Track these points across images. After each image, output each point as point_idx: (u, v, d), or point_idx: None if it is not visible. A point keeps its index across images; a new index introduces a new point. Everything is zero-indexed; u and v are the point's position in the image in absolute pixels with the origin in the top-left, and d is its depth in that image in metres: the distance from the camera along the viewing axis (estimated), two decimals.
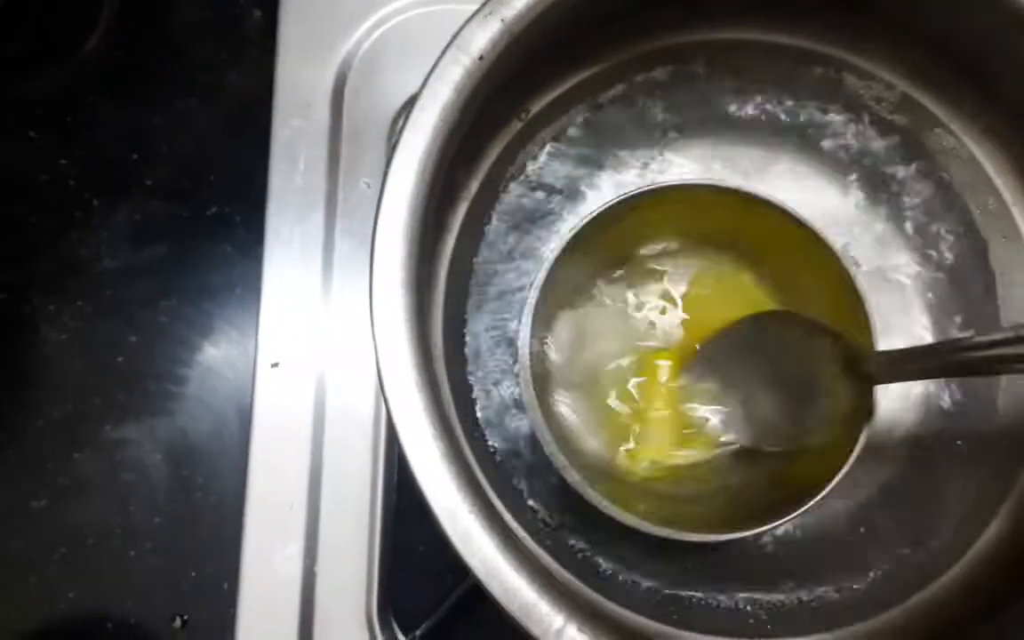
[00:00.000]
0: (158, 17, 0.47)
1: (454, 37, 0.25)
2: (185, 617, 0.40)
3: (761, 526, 0.28)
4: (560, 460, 0.28)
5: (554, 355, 0.31)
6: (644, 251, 0.33)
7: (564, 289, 0.31)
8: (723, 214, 0.31)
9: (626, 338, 0.32)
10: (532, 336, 0.29)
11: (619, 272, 0.33)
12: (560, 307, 0.32)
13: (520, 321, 0.31)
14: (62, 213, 0.44)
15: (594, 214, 0.29)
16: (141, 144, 0.45)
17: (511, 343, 0.32)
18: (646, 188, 0.30)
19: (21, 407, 0.42)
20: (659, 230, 0.32)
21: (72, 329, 0.43)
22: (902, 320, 0.33)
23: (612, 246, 0.32)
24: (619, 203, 0.29)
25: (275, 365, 0.36)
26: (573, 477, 0.28)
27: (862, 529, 0.31)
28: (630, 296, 0.32)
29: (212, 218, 0.44)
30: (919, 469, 0.32)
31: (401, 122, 0.37)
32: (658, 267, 0.33)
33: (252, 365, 0.41)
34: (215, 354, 0.43)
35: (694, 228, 0.32)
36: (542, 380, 0.30)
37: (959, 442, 0.32)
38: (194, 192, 0.44)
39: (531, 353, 0.29)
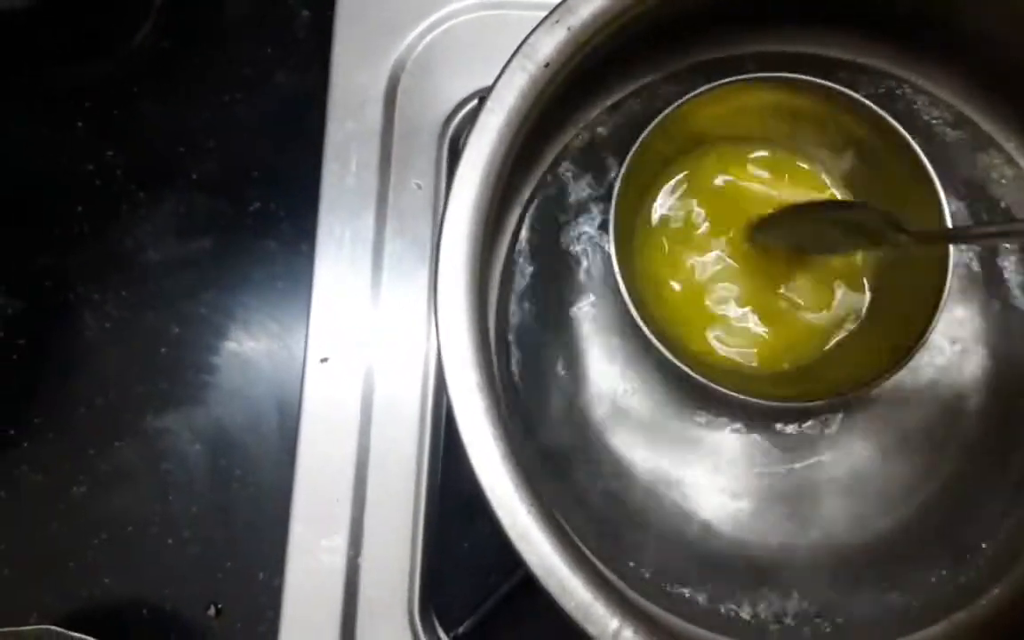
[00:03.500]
0: (207, 13, 0.47)
1: (522, 44, 0.26)
2: (220, 605, 0.40)
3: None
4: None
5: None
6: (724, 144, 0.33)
7: (645, 175, 0.32)
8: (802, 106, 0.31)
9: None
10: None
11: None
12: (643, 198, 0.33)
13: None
14: (108, 204, 0.45)
15: (678, 105, 0.30)
16: (187, 138, 0.45)
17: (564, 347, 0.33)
18: (734, 79, 0.30)
19: (64, 394, 0.43)
20: (736, 125, 0.33)
21: (115, 319, 0.43)
22: None
23: (685, 139, 0.33)
24: (704, 92, 0.30)
25: (324, 360, 0.37)
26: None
27: (902, 545, 0.31)
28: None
29: (256, 213, 0.44)
30: (962, 484, 0.32)
31: (454, 126, 0.38)
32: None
33: (291, 358, 0.42)
34: (255, 347, 0.43)
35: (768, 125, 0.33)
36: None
37: (1003, 457, 0.32)
38: (239, 187, 0.45)
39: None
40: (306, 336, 0.37)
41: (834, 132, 0.32)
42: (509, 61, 0.26)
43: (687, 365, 0.29)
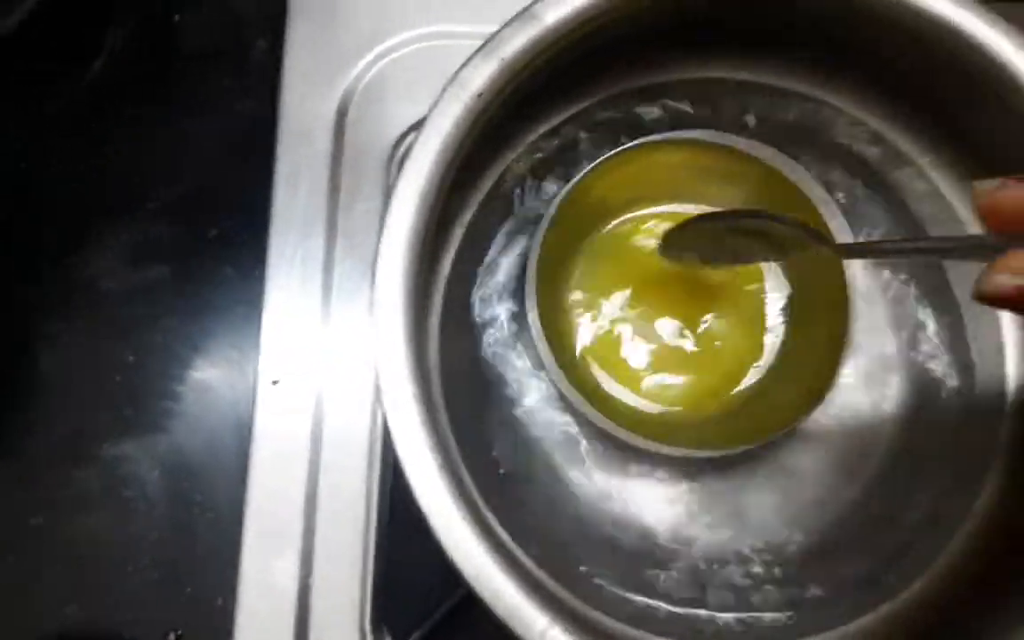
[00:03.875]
0: (164, 42, 0.48)
1: (455, 75, 0.27)
2: (179, 632, 0.40)
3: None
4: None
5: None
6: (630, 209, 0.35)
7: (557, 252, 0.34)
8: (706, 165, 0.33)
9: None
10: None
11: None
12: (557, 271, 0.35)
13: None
14: (66, 232, 0.45)
15: (582, 175, 0.32)
16: (145, 167, 0.46)
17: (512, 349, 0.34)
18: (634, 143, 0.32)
19: (21, 424, 0.43)
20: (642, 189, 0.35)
21: (73, 348, 0.44)
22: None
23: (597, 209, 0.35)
24: (608, 160, 0.32)
25: (275, 382, 0.37)
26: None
27: (833, 546, 0.33)
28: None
29: (214, 240, 0.45)
30: (886, 488, 0.34)
31: (403, 151, 0.39)
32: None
33: (251, 383, 0.42)
34: (214, 373, 0.44)
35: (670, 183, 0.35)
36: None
37: (924, 462, 0.34)
38: (197, 215, 0.45)
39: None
40: (257, 358, 0.38)
41: (738, 184, 0.34)
42: (443, 91, 0.27)
43: (609, 415, 0.31)
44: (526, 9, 0.28)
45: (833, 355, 0.31)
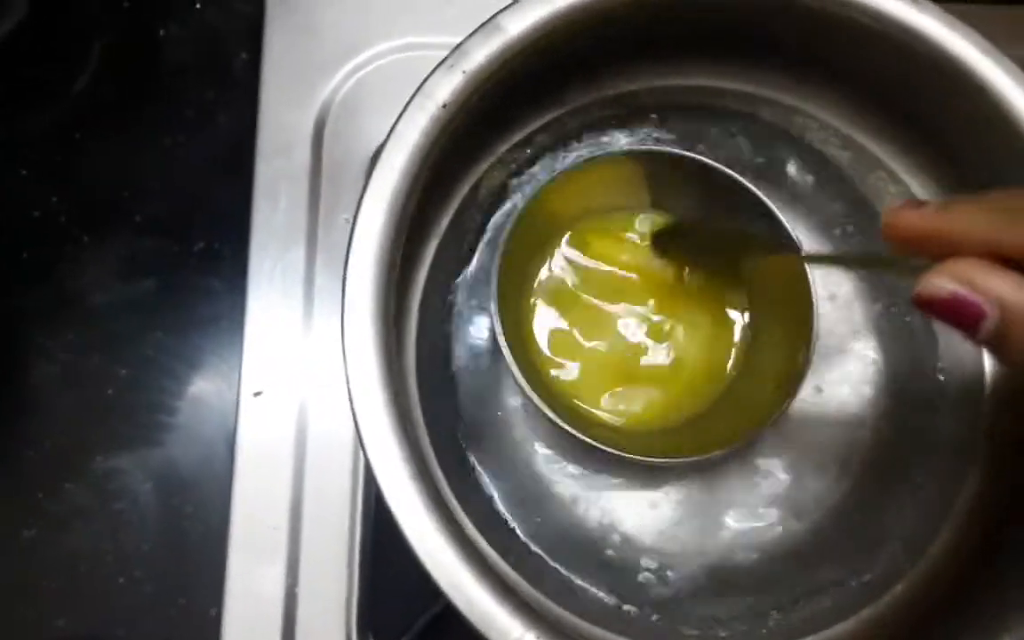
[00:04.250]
0: (147, 58, 0.48)
1: (420, 86, 0.27)
2: None
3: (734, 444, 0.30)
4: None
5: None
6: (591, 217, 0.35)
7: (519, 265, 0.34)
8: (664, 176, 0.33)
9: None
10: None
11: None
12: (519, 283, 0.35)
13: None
14: (53, 248, 0.45)
15: (543, 183, 0.32)
16: (131, 181, 0.46)
17: (488, 357, 0.34)
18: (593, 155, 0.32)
19: (12, 438, 0.43)
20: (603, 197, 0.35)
21: (63, 362, 0.44)
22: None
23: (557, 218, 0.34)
24: (568, 171, 0.32)
25: (258, 394, 0.38)
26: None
27: (812, 549, 0.33)
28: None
29: (199, 253, 0.45)
30: (864, 490, 0.34)
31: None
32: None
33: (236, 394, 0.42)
34: (203, 385, 0.44)
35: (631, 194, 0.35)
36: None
37: (903, 461, 0.34)
38: (182, 228, 0.45)
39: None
40: (239, 370, 0.38)
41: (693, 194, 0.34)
42: (408, 102, 0.27)
43: (576, 424, 0.31)
44: (489, 20, 0.28)
45: (799, 351, 0.31)
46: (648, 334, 0.35)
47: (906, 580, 0.32)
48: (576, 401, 0.34)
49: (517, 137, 0.34)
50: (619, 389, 0.34)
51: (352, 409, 0.25)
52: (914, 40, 0.29)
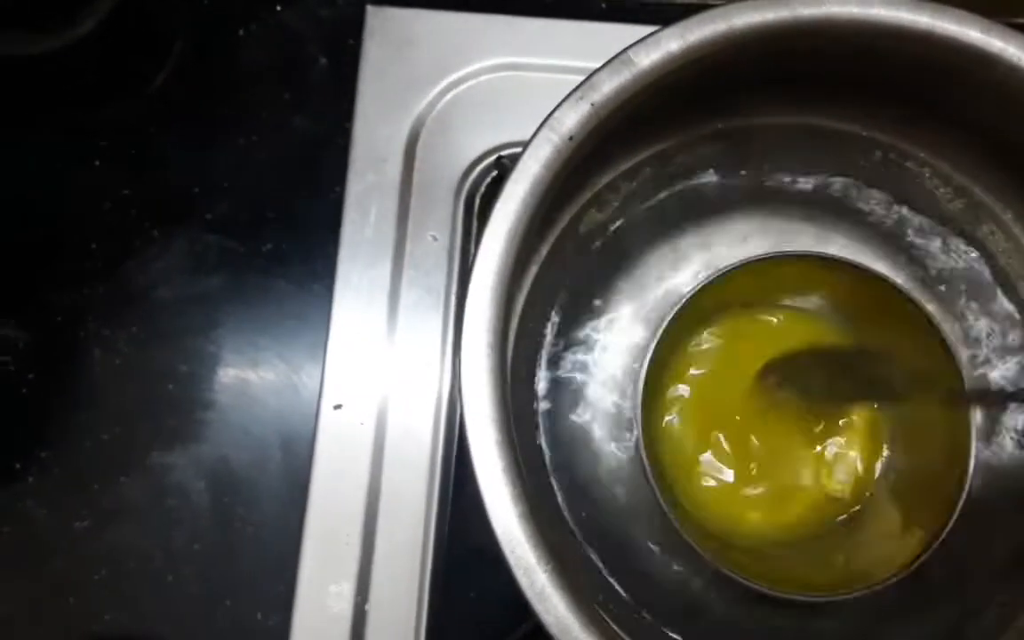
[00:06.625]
0: (226, 57, 0.48)
1: (547, 118, 0.27)
2: None
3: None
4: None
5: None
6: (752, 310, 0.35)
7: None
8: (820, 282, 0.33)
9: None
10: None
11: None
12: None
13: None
14: (122, 241, 0.45)
15: (710, 279, 0.32)
16: (203, 179, 0.46)
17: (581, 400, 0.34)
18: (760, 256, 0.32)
19: (71, 428, 0.43)
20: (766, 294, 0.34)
21: (125, 355, 0.44)
22: None
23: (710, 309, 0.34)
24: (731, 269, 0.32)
25: (338, 407, 0.37)
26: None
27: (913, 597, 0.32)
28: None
29: (268, 254, 0.45)
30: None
31: (476, 180, 0.39)
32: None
33: (298, 398, 0.42)
34: (263, 386, 0.44)
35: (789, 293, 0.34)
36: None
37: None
38: (252, 228, 0.45)
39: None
40: (321, 382, 0.38)
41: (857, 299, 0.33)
42: (536, 133, 0.27)
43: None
44: (621, 53, 0.27)
45: (946, 490, 0.29)
46: (787, 452, 0.33)
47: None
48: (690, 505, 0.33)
49: (622, 167, 0.33)
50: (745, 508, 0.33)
51: (468, 445, 0.25)
52: None
